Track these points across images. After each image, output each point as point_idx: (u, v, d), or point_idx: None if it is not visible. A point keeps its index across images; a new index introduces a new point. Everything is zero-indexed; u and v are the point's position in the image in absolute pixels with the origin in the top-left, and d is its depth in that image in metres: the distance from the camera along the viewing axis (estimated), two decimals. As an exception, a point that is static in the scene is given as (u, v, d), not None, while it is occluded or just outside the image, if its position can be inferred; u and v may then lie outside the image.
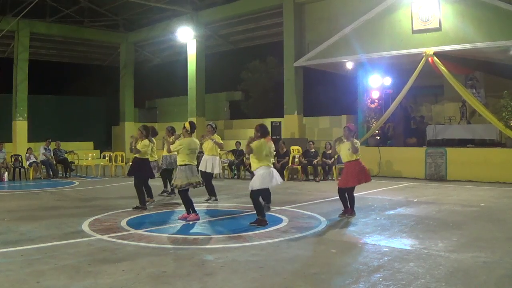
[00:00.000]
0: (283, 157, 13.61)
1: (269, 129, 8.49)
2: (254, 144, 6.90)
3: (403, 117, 15.45)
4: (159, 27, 20.46)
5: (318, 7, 15.94)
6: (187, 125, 7.45)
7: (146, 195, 8.88)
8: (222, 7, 18.29)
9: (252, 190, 6.92)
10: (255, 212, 7.05)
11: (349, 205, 7.56)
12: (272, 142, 7.38)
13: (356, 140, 7.51)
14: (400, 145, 14.61)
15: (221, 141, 9.43)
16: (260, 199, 7.19)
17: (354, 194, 7.65)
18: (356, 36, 14.06)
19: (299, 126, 16.44)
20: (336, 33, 14.58)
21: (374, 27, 13.82)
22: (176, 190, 7.93)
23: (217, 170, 9.69)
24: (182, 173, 7.21)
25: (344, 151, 7.53)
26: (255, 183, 6.87)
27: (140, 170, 8.59)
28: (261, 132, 7.02)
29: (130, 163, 9.07)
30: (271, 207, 8.21)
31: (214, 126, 9.64)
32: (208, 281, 4.31)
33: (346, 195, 7.54)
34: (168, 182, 10.30)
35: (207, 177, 9.25)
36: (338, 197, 7.65)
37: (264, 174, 6.90)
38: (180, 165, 7.29)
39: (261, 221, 6.81)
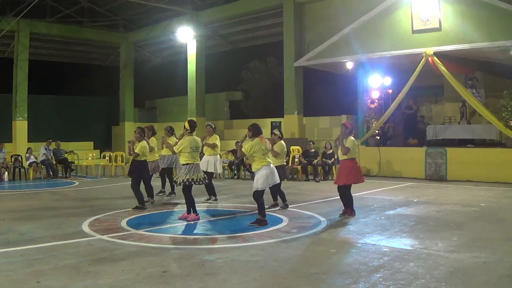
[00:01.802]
0: (283, 157, 13.59)
1: (264, 129, 8.69)
2: (245, 148, 6.93)
3: (409, 118, 15.44)
4: (159, 27, 20.45)
5: (318, 7, 15.93)
6: (186, 124, 7.47)
7: (147, 194, 8.92)
8: (222, 7, 18.29)
9: (256, 191, 6.94)
10: (255, 212, 7.07)
11: (348, 205, 7.54)
12: (267, 141, 7.35)
13: (351, 138, 7.48)
14: (400, 145, 14.61)
15: (215, 142, 9.38)
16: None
17: (352, 194, 7.64)
18: (356, 36, 14.05)
19: (299, 126, 16.44)
20: (336, 33, 14.57)
21: (374, 27, 13.82)
22: (179, 188, 7.83)
23: (219, 170, 9.72)
24: (185, 171, 7.23)
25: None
26: (258, 184, 6.89)
27: (141, 171, 8.62)
28: (253, 131, 7.04)
29: (130, 164, 9.06)
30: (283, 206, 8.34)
31: (213, 126, 9.69)
32: (208, 281, 4.31)
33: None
34: (166, 182, 10.33)
35: (208, 177, 9.28)
36: (339, 196, 7.63)
37: (267, 174, 6.91)
38: (183, 165, 7.31)
39: (261, 221, 6.81)
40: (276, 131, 8.80)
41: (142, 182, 8.72)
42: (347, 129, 7.51)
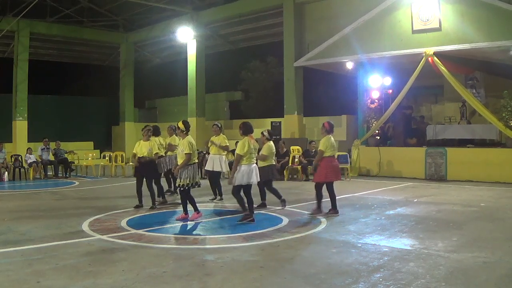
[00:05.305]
0: (283, 157, 13.59)
1: (263, 128, 8.84)
2: (239, 149, 7.01)
3: (404, 117, 15.44)
4: (159, 27, 20.46)
5: (318, 7, 15.94)
6: (181, 125, 7.40)
7: (159, 193, 9.02)
8: (222, 7, 18.30)
9: (233, 186, 7.08)
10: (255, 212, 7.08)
11: (331, 205, 7.65)
12: (254, 141, 7.35)
13: (325, 138, 7.66)
14: (400, 145, 14.61)
15: (226, 143, 9.35)
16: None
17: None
18: (356, 36, 14.06)
19: (299, 126, 16.44)
20: (336, 33, 14.58)
21: (374, 27, 13.82)
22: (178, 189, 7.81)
23: (224, 169, 9.67)
24: (189, 172, 7.19)
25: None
26: (235, 179, 7.02)
27: (156, 169, 8.62)
28: (243, 129, 7.21)
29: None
30: (267, 205, 8.42)
31: (220, 126, 9.62)
32: (208, 281, 4.31)
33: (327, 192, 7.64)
34: (172, 182, 10.33)
35: (215, 176, 9.35)
36: (315, 194, 7.75)
37: (244, 171, 6.99)
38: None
39: (246, 216, 6.95)
40: (265, 132, 8.62)
41: (144, 182, 8.57)
42: (323, 128, 7.85)
